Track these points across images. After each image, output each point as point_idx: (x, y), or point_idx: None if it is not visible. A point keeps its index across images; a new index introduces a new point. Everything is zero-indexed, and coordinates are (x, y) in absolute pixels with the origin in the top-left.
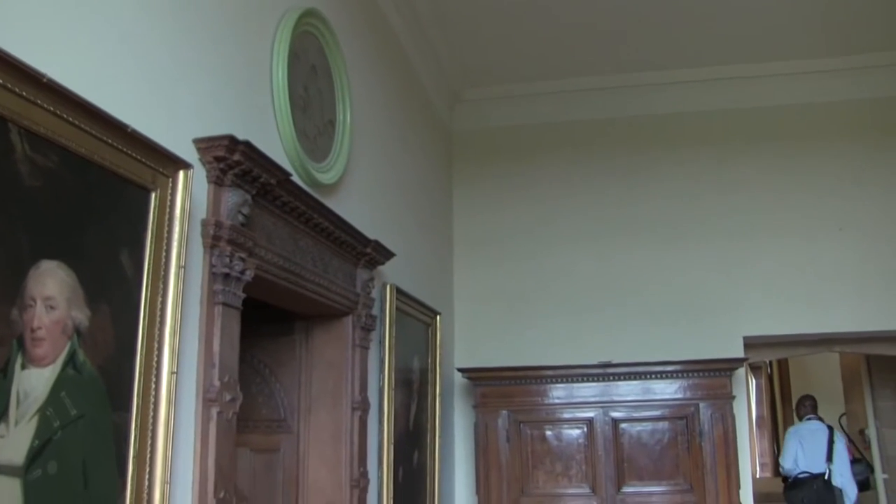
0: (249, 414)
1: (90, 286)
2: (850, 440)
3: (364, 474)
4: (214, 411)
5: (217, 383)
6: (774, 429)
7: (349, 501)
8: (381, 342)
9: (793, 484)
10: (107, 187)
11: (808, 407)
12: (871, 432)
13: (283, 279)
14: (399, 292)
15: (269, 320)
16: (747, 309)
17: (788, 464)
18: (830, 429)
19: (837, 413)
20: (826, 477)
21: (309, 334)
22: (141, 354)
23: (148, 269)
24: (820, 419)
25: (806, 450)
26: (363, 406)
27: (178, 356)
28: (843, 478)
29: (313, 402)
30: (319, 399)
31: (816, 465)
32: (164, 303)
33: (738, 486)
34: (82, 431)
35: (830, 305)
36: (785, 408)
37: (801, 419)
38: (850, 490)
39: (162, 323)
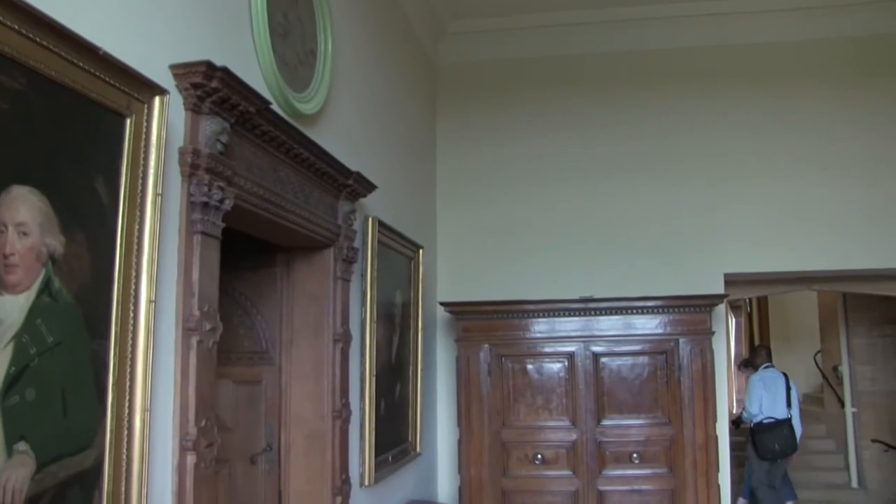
0: (231, 346)
1: (64, 213)
2: (823, 377)
3: (346, 406)
4: (194, 340)
5: (197, 313)
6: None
7: (331, 432)
8: (363, 275)
9: (760, 429)
10: (80, 112)
11: (764, 356)
12: (844, 369)
13: (263, 210)
14: (381, 225)
15: (250, 253)
16: (728, 247)
17: (755, 408)
18: (786, 376)
19: (813, 351)
20: (791, 422)
21: (290, 266)
22: (118, 283)
23: (124, 196)
24: (774, 367)
25: (769, 396)
26: (345, 338)
27: (157, 285)
28: (798, 422)
29: (295, 334)
30: (301, 331)
31: (780, 411)
32: (141, 231)
33: (715, 420)
34: (60, 359)
35: (810, 244)
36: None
37: (756, 368)
38: (799, 433)
39: (139, 251)
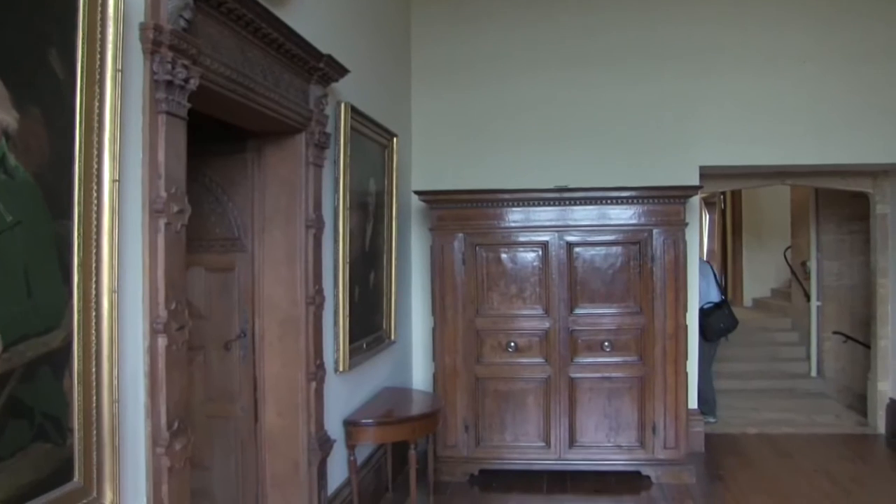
0: (203, 234)
1: (16, 87)
2: (792, 272)
3: (319, 292)
4: (162, 223)
5: (164, 194)
6: (724, 262)
7: (305, 318)
8: (336, 161)
9: (703, 314)
10: None
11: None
12: (812, 264)
13: (231, 91)
14: (354, 111)
15: (220, 139)
16: (705, 139)
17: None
18: (710, 265)
19: (783, 247)
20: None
21: (261, 152)
22: (79, 161)
23: (82, 72)
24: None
25: (704, 284)
26: (317, 224)
27: (121, 165)
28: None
29: (267, 220)
30: (273, 217)
31: (714, 295)
32: (101, 108)
33: (685, 310)
34: (21, 238)
35: (786, 138)
36: (735, 241)
37: None
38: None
39: (101, 129)
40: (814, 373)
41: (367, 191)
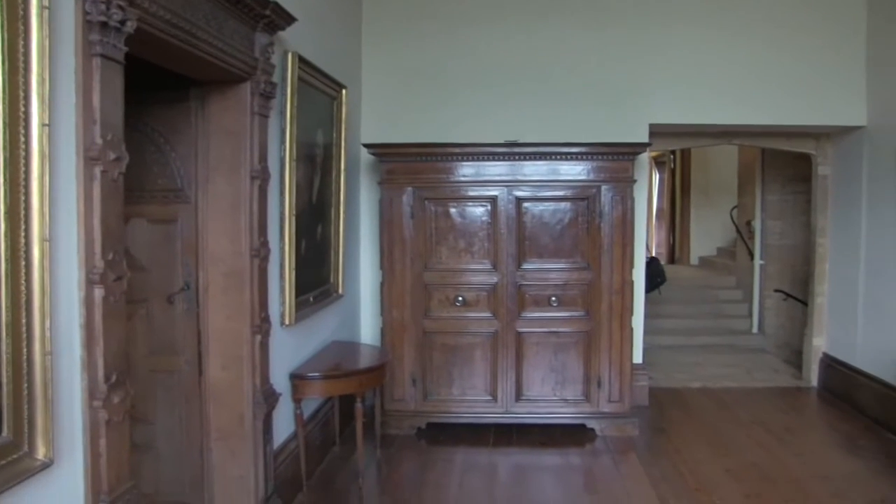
0: (144, 184)
1: None
2: (737, 231)
3: (265, 244)
4: (98, 170)
5: (99, 141)
6: (673, 221)
7: (250, 271)
8: (283, 112)
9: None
10: None
11: None
12: (757, 224)
13: (171, 36)
14: (302, 61)
15: (162, 87)
16: (655, 98)
17: None
18: None
19: (730, 207)
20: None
21: (205, 101)
22: (3, 102)
23: (1, 7)
24: None
25: None
26: (263, 175)
27: (51, 108)
28: None
29: (211, 171)
30: (217, 168)
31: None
32: (27, 47)
33: (632, 266)
34: None
35: (734, 99)
36: (684, 201)
37: None
38: None
39: (27, 70)
40: (755, 329)
41: (314, 142)
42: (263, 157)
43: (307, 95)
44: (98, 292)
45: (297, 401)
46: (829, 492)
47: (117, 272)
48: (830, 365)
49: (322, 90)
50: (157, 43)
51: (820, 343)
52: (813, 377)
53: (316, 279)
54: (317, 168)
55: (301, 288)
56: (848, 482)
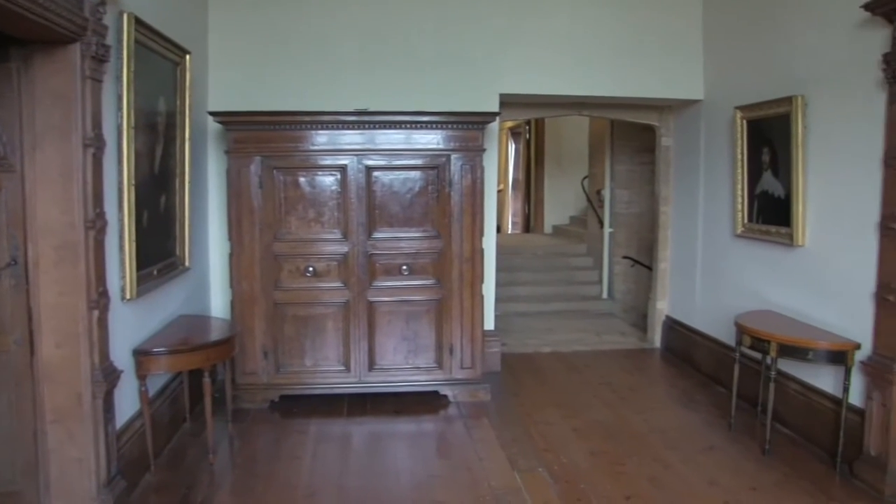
0: None
1: None
2: (588, 200)
3: (101, 215)
4: None
5: None
6: (528, 190)
7: (85, 243)
8: (119, 77)
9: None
10: None
11: None
12: (606, 193)
13: None
14: (139, 23)
15: None
16: (506, 68)
17: None
18: None
19: (582, 176)
20: None
21: (29, 62)
22: None
23: None
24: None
25: None
26: (97, 143)
27: None
28: None
29: (38, 137)
30: (45, 135)
31: None
32: None
33: (482, 234)
34: None
35: (582, 71)
36: (538, 171)
37: None
38: None
39: None
40: (605, 295)
41: (156, 110)
42: (98, 124)
43: (146, 60)
44: None
45: (141, 377)
46: (665, 444)
47: None
48: (672, 326)
49: (163, 55)
50: None
51: (663, 306)
52: (656, 339)
53: (160, 251)
54: (159, 136)
55: (143, 261)
56: (683, 434)
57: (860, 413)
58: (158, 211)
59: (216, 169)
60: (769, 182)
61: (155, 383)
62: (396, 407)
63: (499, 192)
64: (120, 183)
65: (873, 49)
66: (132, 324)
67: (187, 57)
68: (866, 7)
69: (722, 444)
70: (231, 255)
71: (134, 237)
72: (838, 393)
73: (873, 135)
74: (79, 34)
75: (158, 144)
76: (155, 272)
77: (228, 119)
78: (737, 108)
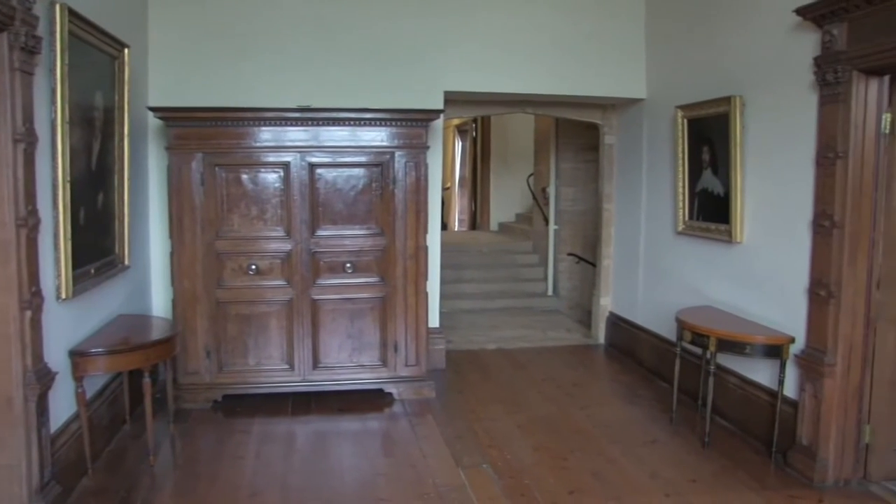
0: None
1: None
2: (534, 197)
3: (33, 213)
4: None
5: None
6: (475, 188)
7: (16, 242)
8: (52, 70)
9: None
10: None
11: None
12: (552, 190)
13: None
14: (73, 14)
15: None
16: (450, 65)
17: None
18: None
19: (527, 174)
20: None
21: None
22: None
23: None
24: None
25: None
26: (28, 138)
27: None
28: None
29: None
30: None
31: None
32: None
33: (426, 231)
34: None
35: (527, 69)
36: (484, 168)
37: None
38: None
39: None
40: (550, 291)
41: (92, 105)
42: (29, 118)
43: (82, 53)
44: None
45: (78, 379)
46: (609, 438)
47: None
48: (615, 323)
49: (100, 48)
50: None
51: (606, 303)
52: (601, 335)
53: (98, 250)
54: (97, 132)
55: (80, 259)
56: (626, 428)
57: (794, 405)
58: (96, 208)
59: (157, 165)
60: (709, 180)
61: (93, 385)
62: (341, 405)
63: (446, 189)
64: (55, 179)
65: (805, 52)
66: (68, 324)
67: (126, 51)
68: (798, 12)
69: (664, 438)
70: (172, 254)
71: (70, 235)
72: (774, 385)
73: (806, 135)
74: (5, 24)
75: (96, 140)
76: (92, 271)
77: (169, 115)
78: (678, 107)
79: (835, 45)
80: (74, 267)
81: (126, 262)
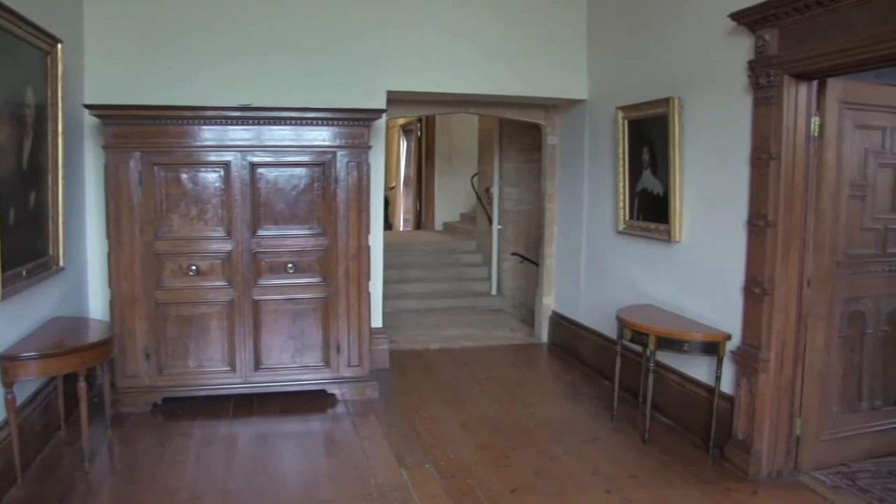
0: None
1: None
2: (478, 197)
3: None
4: None
5: None
6: (420, 187)
7: None
8: None
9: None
10: None
11: None
12: (495, 190)
13: None
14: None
15: None
16: (392, 65)
17: None
18: None
19: (472, 174)
20: None
21: None
22: None
23: None
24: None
25: None
26: None
27: None
28: None
29: None
30: None
31: None
32: None
33: (368, 231)
34: None
35: (469, 69)
36: (429, 168)
37: None
38: None
39: None
40: (494, 291)
41: (22, 102)
42: None
43: (9, 47)
44: None
45: (8, 385)
46: (551, 436)
47: None
48: (558, 321)
49: (30, 42)
50: None
51: (549, 302)
52: (544, 334)
53: (30, 251)
54: (27, 130)
55: (11, 261)
56: (568, 426)
57: (730, 400)
58: (27, 208)
59: (94, 164)
60: (649, 180)
61: (25, 390)
62: (284, 406)
63: (391, 189)
64: None
65: (740, 56)
66: None
67: (59, 45)
68: (733, 17)
69: (605, 435)
70: (109, 254)
71: (0, 237)
72: (712, 382)
73: (741, 136)
74: None
75: (27, 138)
76: (24, 273)
77: (105, 113)
78: (619, 108)
79: (767, 50)
80: (4, 269)
81: (61, 263)
